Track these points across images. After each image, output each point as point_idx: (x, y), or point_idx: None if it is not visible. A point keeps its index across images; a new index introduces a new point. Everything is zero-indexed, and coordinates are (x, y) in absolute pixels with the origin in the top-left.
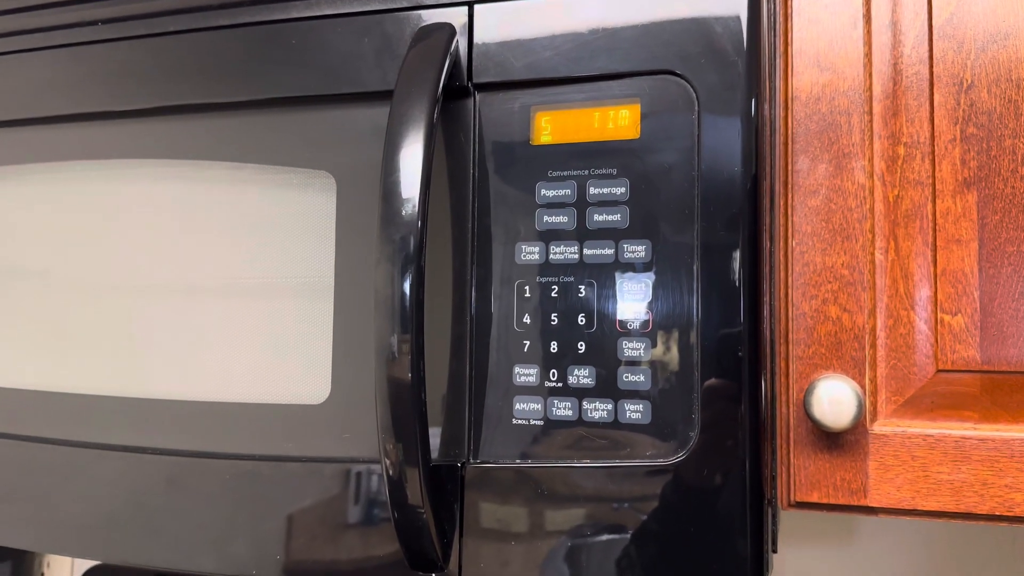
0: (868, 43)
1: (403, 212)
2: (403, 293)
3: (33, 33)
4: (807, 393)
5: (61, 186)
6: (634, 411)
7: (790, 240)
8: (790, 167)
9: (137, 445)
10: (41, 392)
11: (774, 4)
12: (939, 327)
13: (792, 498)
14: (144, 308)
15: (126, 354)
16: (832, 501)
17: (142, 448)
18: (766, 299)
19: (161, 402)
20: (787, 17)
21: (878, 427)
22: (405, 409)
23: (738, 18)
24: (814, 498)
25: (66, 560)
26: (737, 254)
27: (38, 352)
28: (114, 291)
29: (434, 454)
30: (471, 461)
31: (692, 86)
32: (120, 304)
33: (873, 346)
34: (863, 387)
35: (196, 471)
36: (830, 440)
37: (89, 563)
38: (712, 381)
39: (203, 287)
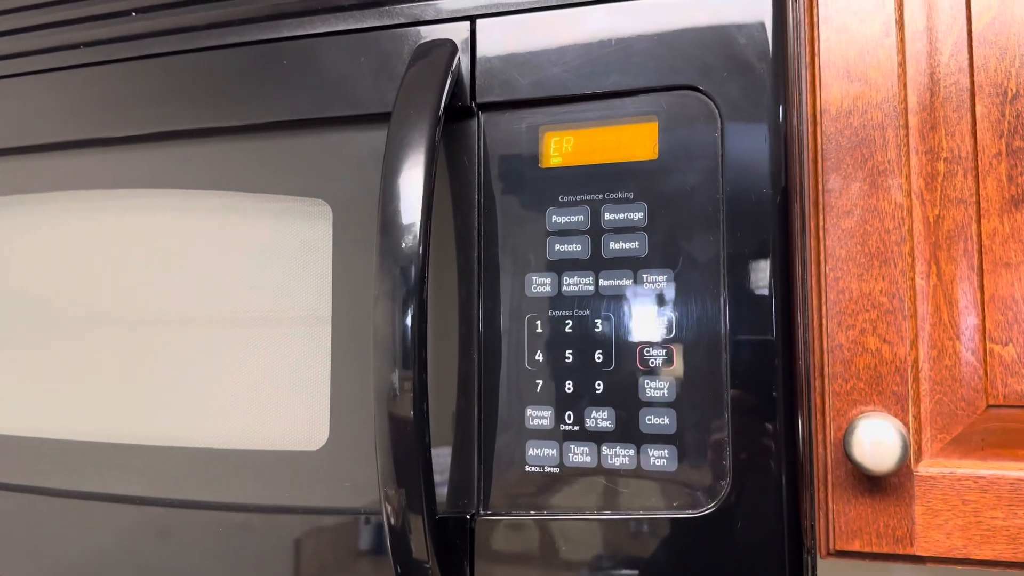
0: (902, 51)
1: (403, 244)
2: (404, 330)
3: (12, 58)
4: (846, 433)
5: (47, 217)
6: (658, 457)
7: (823, 265)
8: (820, 186)
9: (126, 494)
10: (27, 438)
11: (799, 12)
12: (988, 358)
13: (831, 547)
14: (132, 347)
15: (115, 397)
16: (875, 550)
17: (131, 498)
18: (800, 331)
19: (150, 448)
20: (813, 25)
21: (924, 468)
22: (407, 452)
23: (762, 26)
24: (855, 547)
25: None
26: (769, 283)
27: (22, 395)
28: (102, 330)
29: (441, 505)
30: (481, 512)
31: (714, 101)
32: (108, 343)
33: (916, 380)
34: (907, 425)
35: (188, 523)
36: (871, 483)
37: None
38: (744, 423)
39: (194, 323)
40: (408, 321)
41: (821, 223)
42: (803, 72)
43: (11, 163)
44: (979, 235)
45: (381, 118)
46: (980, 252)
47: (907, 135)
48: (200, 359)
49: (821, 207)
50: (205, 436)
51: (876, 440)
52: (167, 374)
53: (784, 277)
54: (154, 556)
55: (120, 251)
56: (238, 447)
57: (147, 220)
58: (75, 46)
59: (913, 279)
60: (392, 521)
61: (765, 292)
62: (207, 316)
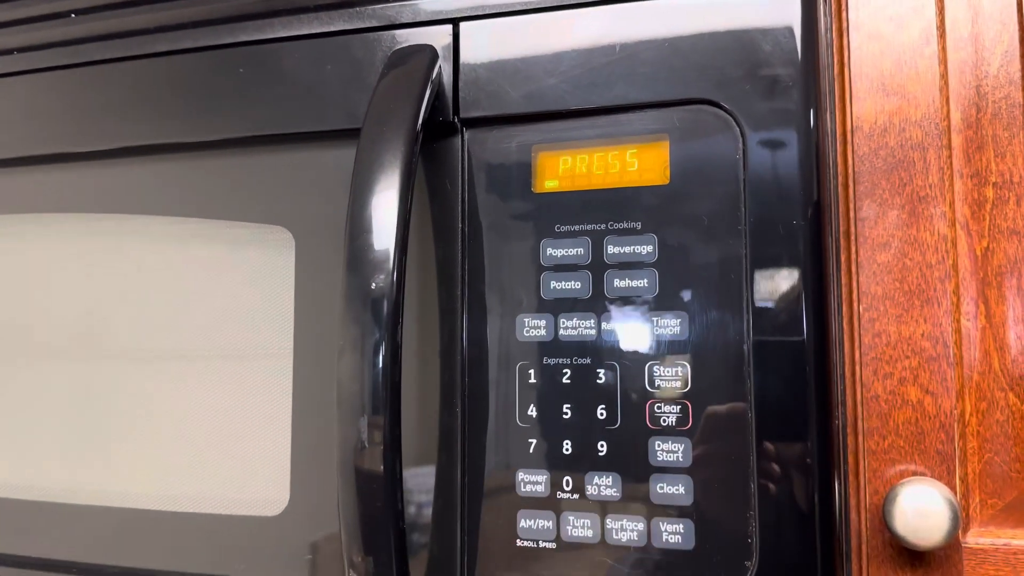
0: (944, 61)
1: (373, 284)
2: (374, 382)
3: None
4: (886, 501)
5: None
6: (672, 532)
7: (856, 305)
8: (852, 215)
9: (60, 559)
10: None
11: (828, 16)
12: None
13: None
14: (69, 389)
15: (49, 448)
16: None
17: (65, 564)
18: (836, 383)
19: (89, 508)
20: (842, 32)
21: (973, 538)
22: (376, 515)
23: (790, 31)
24: None
25: None
26: (802, 329)
27: None
28: (34, 369)
29: None
30: None
31: (734, 117)
32: (43, 383)
33: (963, 437)
34: (953, 488)
35: None
36: (913, 556)
37: None
38: (773, 493)
39: (140, 363)
40: (379, 372)
41: (853, 256)
42: (831, 84)
43: None
44: None
45: (350, 135)
46: None
47: (950, 156)
48: (147, 404)
49: (853, 238)
50: (151, 496)
51: (921, 510)
52: (108, 422)
53: (819, 322)
54: None
55: (56, 280)
56: (188, 510)
57: (86, 246)
58: (8, 52)
59: (959, 321)
60: None
61: (797, 339)
62: (155, 355)
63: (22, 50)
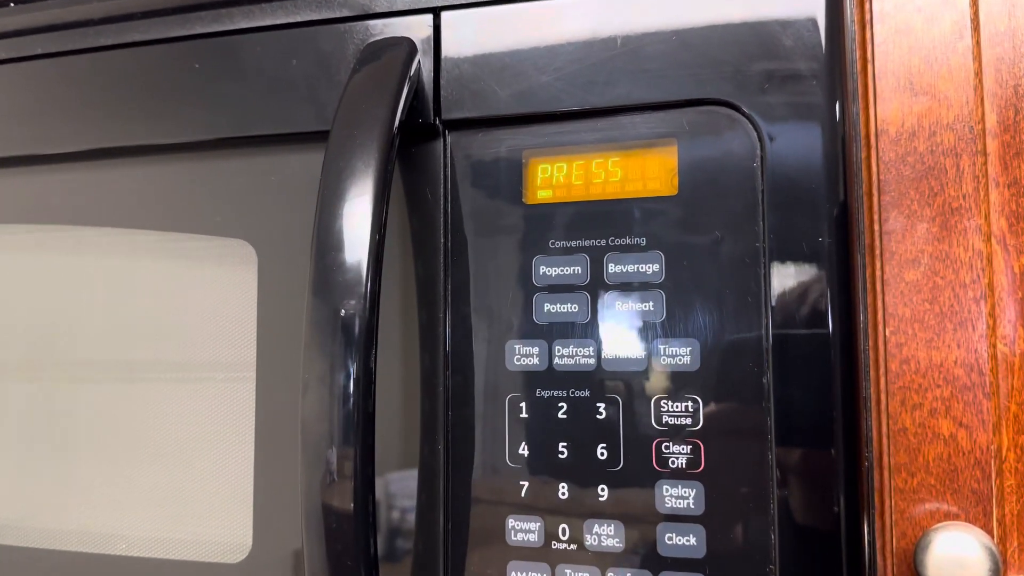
0: (978, 58)
1: (343, 310)
2: (345, 417)
3: None
4: (919, 548)
5: None
6: None
7: (882, 328)
8: (877, 227)
9: None
10: None
11: (851, 8)
12: None
13: None
14: (14, 415)
15: None
16: None
17: None
18: (864, 418)
19: (33, 552)
20: (865, 25)
21: None
22: (347, 561)
23: (814, 24)
24: None
25: None
26: (827, 359)
27: None
28: None
29: None
30: None
31: (751, 120)
32: None
33: (1000, 474)
34: (990, 533)
35: None
36: None
37: None
38: (795, 544)
39: (90, 388)
40: (349, 407)
41: (879, 274)
42: (854, 83)
43: None
44: None
45: (318, 137)
46: None
47: (985, 163)
48: (100, 431)
49: (879, 253)
50: (105, 538)
51: (958, 559)
52: (56, 454)
53: (846, 350)
54: None
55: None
56: (143, 554)
57: (33, 262)
58: None
59: (995, 346)
60: None
61: (823, 371)
62: (106, 378)
63: None
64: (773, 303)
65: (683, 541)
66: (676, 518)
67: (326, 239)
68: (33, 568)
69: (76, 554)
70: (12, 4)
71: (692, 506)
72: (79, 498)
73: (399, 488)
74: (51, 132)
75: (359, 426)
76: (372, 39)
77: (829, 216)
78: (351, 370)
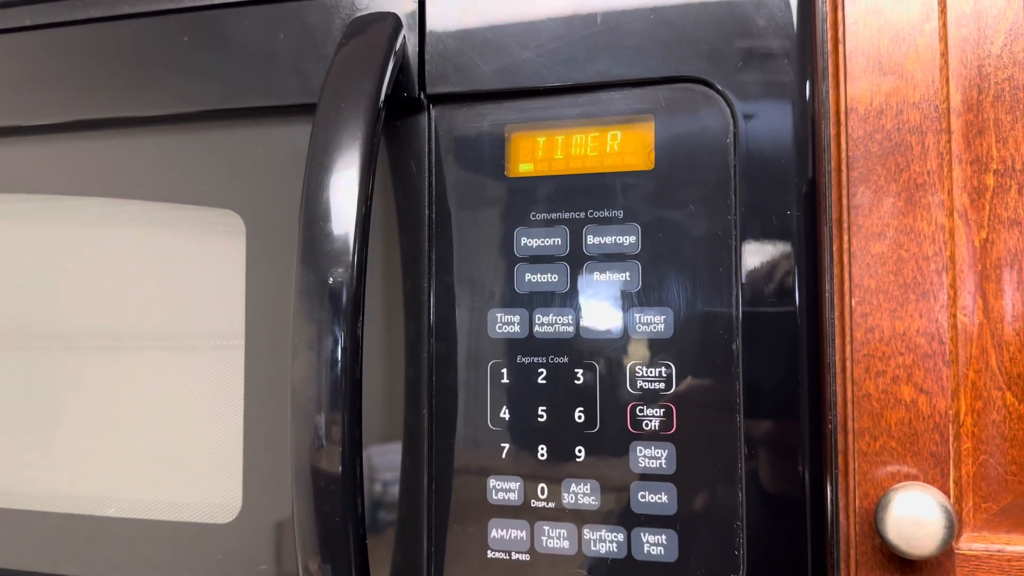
0: (944, 39)
1: (331, 277)
2: (332, 381)
3: None
4: (879, 507)
5: None
6: (654, 544)
7: (848, 298)
8: (845, 201)
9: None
10: None
11: None
12: None
13: None
14: (5, 381)
15: None
16: None
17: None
18: (829, 383)
19: (28, 513)
20: (837, 5)
21: (966, 544)
22: (335, 519)
23: (786, 5)
24: None
25: None
26: (793, 326)
27: None
28: None
29: None
30: None
31: (725, 97)
32: None
33: (958, 438)
34: (947, 493)
35: None
36: (903, 563)
37: None
38: (761, 502)
39: (80, 355)
40: (337, 372)
41: (846, 247)
42: (825, 62)
43: None
44: None
45: (304, 110)
46: None
47: (950, 141)
48: (87, 398)
49: (846, 227)
50: (93, 500)
51: (915, 518)
52: (48, 418)
53: (812, 318)
54: None
55: None
56: (133, 515)
57: (21, 231)
58: None
59: (955, 316)
60: None
61: (789, 338)
62: (95, 346)
63: None
64: (743, 274)
65: (655, 499)
66: (649, 477)
67: (314, 210)
68: (25, 530)
69: (67, 516)
70: None
71: (664, 466)
72: (70, 463)
73: (384, 451)
74: (38, 103)
75: (347, 391)
76: (358, 14)
77: (798, 191)
78: (339, 336)
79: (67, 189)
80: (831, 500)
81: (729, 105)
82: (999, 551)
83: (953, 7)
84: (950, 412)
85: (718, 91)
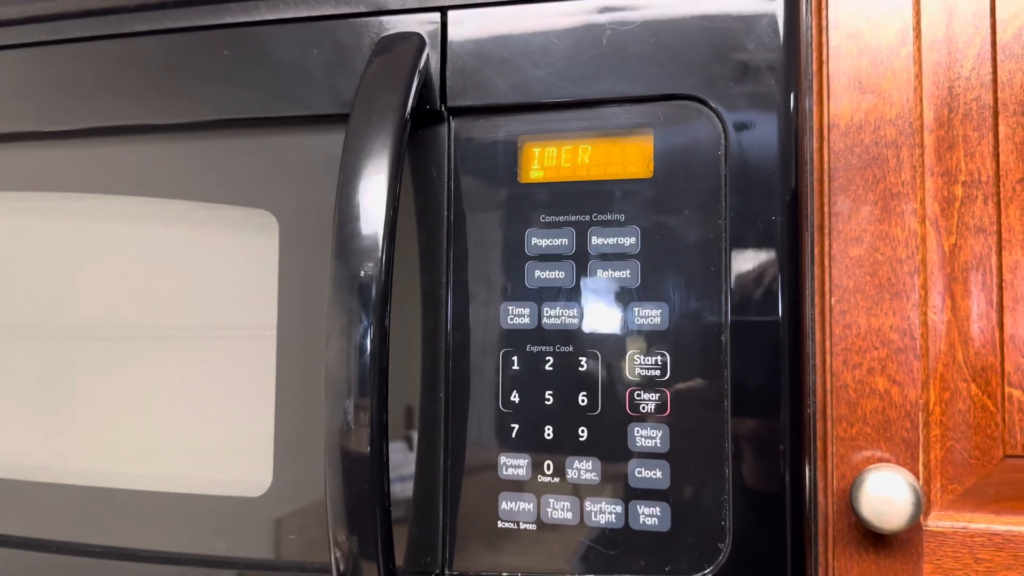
0: (919, 62)
1: (362, 272)
2: (361, 367)
3: None
4: (854, 487)
5: None
6: (649, 515)
7: (827, 297)
8: (827, 209)
9: (42, 539)
10: None
11: (808, 14)
12: (1006, 404)
13: None
14: (44, 367)
15: (32, 427)
16: None
17: (44, 543)
18: (809, 374)
19: (65, 488)
20: (822, 30)
21: (934, 522)
22: (362, 495)
23: (774, 31)
24: None
25: None
26: (776, 321)
27: None
28: (18, 347)
29: (400, 562)
30: (446, 572)
31: (718, 114)
32: (26, 363)
33: (927, 425)
34: (916, 474)
35: (114, 574)
36: (877, 539)
37: None
38: (746, 479)
39: (119, 343)
40: (367, 358)
41: (827, 250)
42: (810, 82)
43: None
44: (999, 268)
45: (335, 120)
46: (1000, 286)
47: (922, 155)
48: (130, 385)
49: (827, 232)
50: (132, 477)
51: (887, 497)
52: (91, 401)
53: (794, 314)
54: None
55: (36, 259)
56: (171, 490)
57: (66, 227)
58: None
59: (926, 314)
60: (342, 570)
61: (773, 331)
62: (136, 336)
63: (2, 24)
64: (732, 273)
65: (651, 475)
66: (645, 455)
67: (347, 210)
68: (69, 501)
69: (106, 489)
70: None
71: (659, 445)
72: (110, 442)
73: (405, 432)
74: (90, 109)
75: (375, 376)
76: (386, 33)
77: (782, 199)
78: (368, 323)
79: (114, 189)
80: (809, 480)
81: (721, 120)
82: (963, 528)
83: (927, 33)
84: (920, 402)
85: (711, 108)
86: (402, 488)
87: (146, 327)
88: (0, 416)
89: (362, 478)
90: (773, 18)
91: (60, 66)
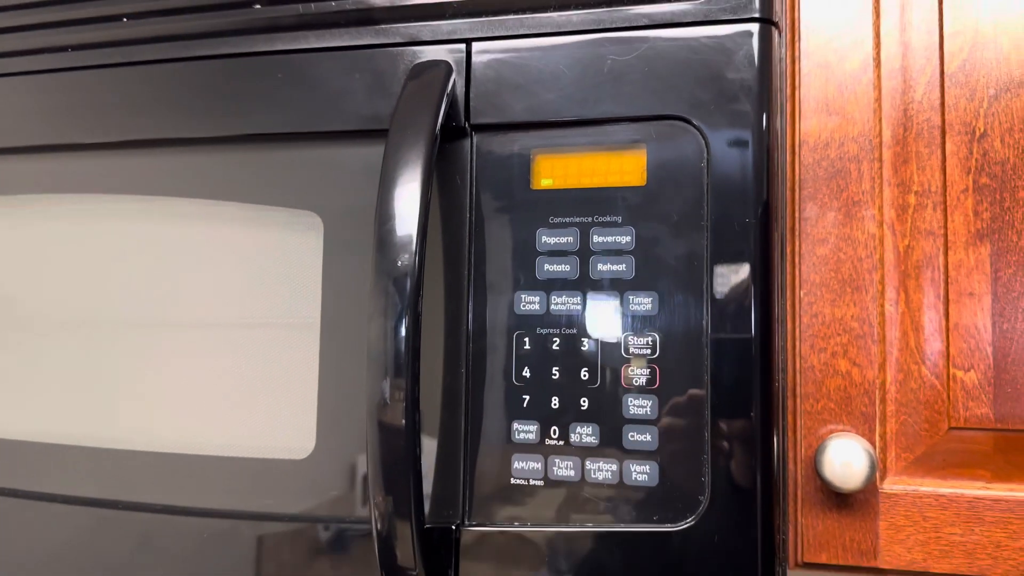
0: (878, 88)
1: (399, 263)
2: (398, 345)
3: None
4: (817, 452)
5: (28, 220)
6: (640, 472)
7: (798, 290)
8: (797, 214)
9: (105, 498)
10: (8, 441)
11: (782, 46)
12: (951, 383)
13: (800, 559)
14: (115, 351)
15: (94, 400)
16: (841, 562)
17: (111, 502)
18: (778, 354)
19: (133, 453)
20: (794, 59)
21: (888, 486)
22: (398, 462)
23: (751, 62)
24: (823, 559)
25: None
26: (749, 308)
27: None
28: (82, 332)
29: (426, 515)
30: (466, 523)
31: (701, 132)
32: (89, 346)
33: (883, 401)
34: (873, 444)
35: (170, 528)
36: (839, 499)
37: None
38: (723, 441)
39: (179, 329)
40: (402, 336)
41: (797, 249)
42: (784, 104)
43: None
44: (946, 266)
45: (374, 134)
46: (946, 282)
47: (881, 168)
48: (185, 366)
49: (797, 234)
50: (189, 443)
51: (845, 460)
52: (150, 381)
53: (764, 303)
54: (134, 561)
55: (107, 255)
56: (224, 454)
57: (135, 226)
58: (63, 49)
59: (883, 306)
60: (380, 529)
61: (746, 317)
62: (195, 323)
63: (77, 48)
64: (712, 268)
65: (642, 438)
66: (637, 421)
67: (386, 211)
68: (128, 466)
69: (166, 455)
70: (125, 20)
71: (649, 413)
72: (175, 414)
73: (432, 403)
74: (160, 122)
75: (409, 351)
76: (418, 61)
77: (755, 205)
78: (405, 303)
79: (179, 193)
80: (779, 448)
81: (704, 137)
82: (913, 491)
83: (886, 64)
84: (877, 381)
85: (695, 126)
86: (428, 452)
87: (204, 316)
88: (75, 396)
89: (398, 447)
90: (750, 51)
91: (132, 86)
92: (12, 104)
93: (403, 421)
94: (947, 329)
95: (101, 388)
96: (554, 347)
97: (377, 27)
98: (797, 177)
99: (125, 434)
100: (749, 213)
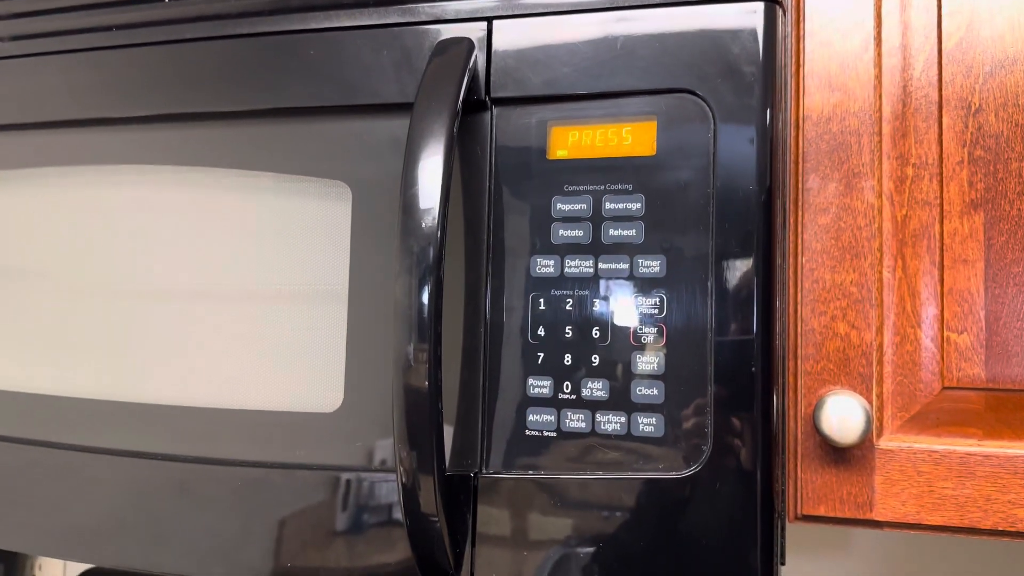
0: (879, 65)
1: (423, 225)
2: (422, 304)
3: (47, 37)
4: (816, 408)
5: (71, 190)
6: (647, 424)
7: (800, 257)
8: (800, 185)
9: (145, 451)
10: (45, 396)
11: (787, 25)
12: (945, 345)
13: (799, 511)
14: (155, 314)
15: (134, 358)
16: (838, 515)
17: (151, 454)
18: (778, 315)
19: (170, 408)
20: (799, 38)
21: (884, 442)
22: (421, 418)
23: (755, 38)
24: (821, 511)
25: (58, 562)
26: (751, 271)
27: (43, 355)
28: (124, 296)
29: (447, 464)
30: (483, 471)
31: (708, 105)
32: (130, 309)
33: (880, 363)
34: (870, 403)
35: (206, 477)
36: (837, 455)
37: (81, 566)
38: (725, 395)
39: (215, 293)
40: (426, 297)
41: (800, 219)
42: (789, 80)
43: (38, 136)
44: (941, 234)
45: (400, 108)
46: (941, 249)
47: (880, 141)
48: (220, 327)
49: (800, 204)
50: (224, 398)
51: (842, 415)
52: (188, 341)
53: (766, 267)
54: (173, 509)
55: (143, 225)
56: (259, 408)
57: (169, 193)
58: (108, 28)
59: (881, 272)
60: (405, 479)
61: (749, 279)
62: (228, 285)
63: (121, 27)
64: (717, 233)
65: (649, 392)
66: (645, 376)
67: (412, 177)
68: (163, 420)
69: (195, 408)
70: (167, 0)
71: (656, 368)
72: (201, 370)
73: (453, 361)
74: (198, 96)
75: (432, 312)
76: (442, 38)
77: (759, 173)
78: (429, 264)
79: (216, 163)
80: (778, 405)
81: (711, 110)
82: (908, 447)
83: (886, 42)
84: (874, 343)
85: (703, 99)
86: (449, 405)
87: (239, 283)
88: (117, 357)
89: (422, 403)
90: (754, 30)
91: (175, 61)
92: (57, 80)
93: (426, 381)
94: (942, 294)
95: (144, 350)
96: (567, 307)
97: (404, 7)
98: (801, 150)
99: (164, 392)
100: (752, 182)
